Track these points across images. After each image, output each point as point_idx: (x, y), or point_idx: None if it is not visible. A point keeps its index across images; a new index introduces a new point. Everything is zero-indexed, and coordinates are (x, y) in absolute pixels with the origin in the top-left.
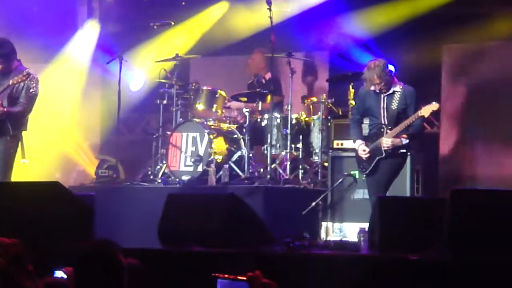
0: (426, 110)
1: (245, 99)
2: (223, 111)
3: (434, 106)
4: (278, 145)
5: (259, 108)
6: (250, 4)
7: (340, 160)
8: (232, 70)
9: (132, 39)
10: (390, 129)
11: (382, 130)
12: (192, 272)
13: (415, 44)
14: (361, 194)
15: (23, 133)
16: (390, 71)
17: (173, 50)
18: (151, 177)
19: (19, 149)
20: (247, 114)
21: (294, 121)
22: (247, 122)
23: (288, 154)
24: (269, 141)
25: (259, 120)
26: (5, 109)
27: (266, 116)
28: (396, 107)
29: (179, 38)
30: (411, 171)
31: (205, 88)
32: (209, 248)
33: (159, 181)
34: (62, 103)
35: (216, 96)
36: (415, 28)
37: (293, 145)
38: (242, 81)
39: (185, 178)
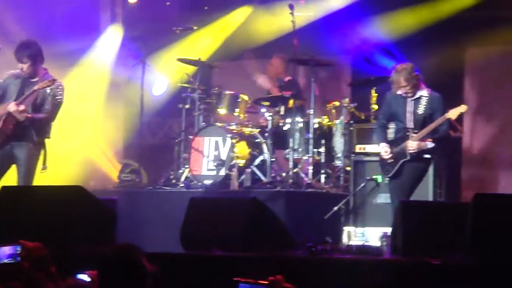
0: (453, 113)
1: (267, 103)
2: (246, 115)
3: (462, 108)
4: (300, 149)
5: (281, 113)
6: (272, 8)
7: (363, 164)
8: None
9: (154, 44)
10: (416, 133)
11: (408, 134)
12: (214, 276)
13: (438, 49)
14: (383, 198)
15: (46, 140)
16: (418, 75)
17: (195, 55)
18: (174, 181)
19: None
20: (269, 118)
21: (316, 125)
22: (269, 126)
23: (311, 159)
24: (291, 145)
25: (281, 124)
26: (30, 115)
27: (288, 120)
28: (422, 112)
29: (201, 43)
30: (434, 175)
31: (227, 92)
32: (231, 252)
33: (182, 185)
34: (85, 108)
35: (238, 100)
36: (438, 32)
37: (315, 150)
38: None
39: (207, 182)
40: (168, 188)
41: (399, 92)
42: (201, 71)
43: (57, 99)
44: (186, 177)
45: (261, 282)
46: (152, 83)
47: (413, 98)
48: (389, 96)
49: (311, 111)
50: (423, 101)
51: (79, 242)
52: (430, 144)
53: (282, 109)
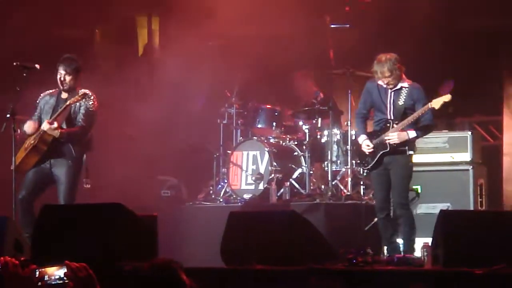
0: (437, 102)
1: (304, 116)
2: (283, 128)
3: (446, 97)
4: (338, 161)
5: (319, 125)
6: (308, 20)
7: None
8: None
9: None
10: (397, 124)
11: (388, 125)
12: None
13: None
14: (424, 208)
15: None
16: (401, 66)
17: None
18: (213, 196)
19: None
20: (307, 131)
21: (354, 137)
22: (307, 139)
23: (349, 170)
24: (329, 157)
25: (319, 136)
26: (64, 130)
27: (325, 132)
28: (403, 103)
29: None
30: (473, 184)
31: (264, 106)
32: (271, 265)
33: (221, 200)
34: (123, 124)
35: (276, 114)
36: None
37: (353, 161)
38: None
39: (246, 196)
40: (208, 203)
41: (380, 83)
42: (238, 86)
43: (89, 109)
44: (225, 192)
45: None
46: (189, 98)
47: (394, 89)
48: (369, 85)
49: (349, 123)
50: (404, 92)
51: (120, 259)
52: (412, 134)
53: (319, 121)
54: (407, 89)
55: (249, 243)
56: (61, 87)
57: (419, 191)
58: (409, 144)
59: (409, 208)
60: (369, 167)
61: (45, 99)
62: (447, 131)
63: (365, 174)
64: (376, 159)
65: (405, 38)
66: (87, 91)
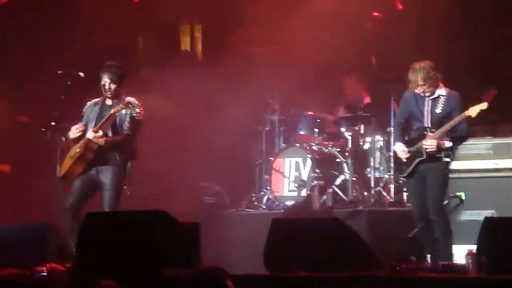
0: (473, 110)
1: (347, 122)
2: (325, 135)
3: (482, 105)
4: (381, 168)
5: (361, 131)
6: (350, 24)
7: None
8: (333, 92)
9: None
10: (433, 132)
11: (425, 133)
12: None
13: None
14: (468, 215)
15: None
16: (436, 74)
17: None
18: (256, 203)
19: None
20: (349, 137)
21: None
22: (350, 146)
23: (392, 177)
24: (372, 164)
25: (361, 143)
26: (109, 138)
27: (368, 139)
28: (440, 111)
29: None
30: None
31: (307, 113)
32: (314, 272)
33: (264, 207)
34: (165, 130)
35: (318, 120)
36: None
37: None
38: (343, 103)
39: (289, 203)
40: (251, 210)
41: (417, 91)
42: (280, 92)
43: (135, 117)
44: (268, 199)
45: None
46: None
47: (431, 97)
48: (407, 95)
49: (391, 129)
50: (441, 100)
51: (164, 266)
52: (447, 143)
53: (362, 128)
54: (445, 97)
55: (292, 250)
56: (106, 95)
57: (463, 197)
58: (445, 151)
59: (444, 214)
60: (405, 174)
61: (90, 107)
62: (490, 137)
63: (400, 181)
64: (412, 167)
65: (446, 45)
66: (132, 99)
